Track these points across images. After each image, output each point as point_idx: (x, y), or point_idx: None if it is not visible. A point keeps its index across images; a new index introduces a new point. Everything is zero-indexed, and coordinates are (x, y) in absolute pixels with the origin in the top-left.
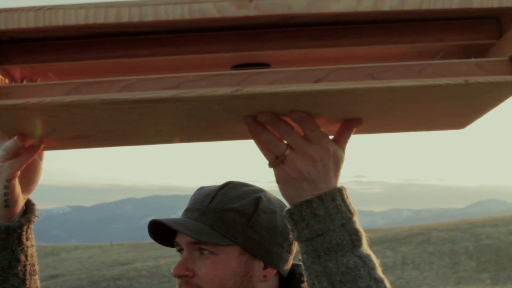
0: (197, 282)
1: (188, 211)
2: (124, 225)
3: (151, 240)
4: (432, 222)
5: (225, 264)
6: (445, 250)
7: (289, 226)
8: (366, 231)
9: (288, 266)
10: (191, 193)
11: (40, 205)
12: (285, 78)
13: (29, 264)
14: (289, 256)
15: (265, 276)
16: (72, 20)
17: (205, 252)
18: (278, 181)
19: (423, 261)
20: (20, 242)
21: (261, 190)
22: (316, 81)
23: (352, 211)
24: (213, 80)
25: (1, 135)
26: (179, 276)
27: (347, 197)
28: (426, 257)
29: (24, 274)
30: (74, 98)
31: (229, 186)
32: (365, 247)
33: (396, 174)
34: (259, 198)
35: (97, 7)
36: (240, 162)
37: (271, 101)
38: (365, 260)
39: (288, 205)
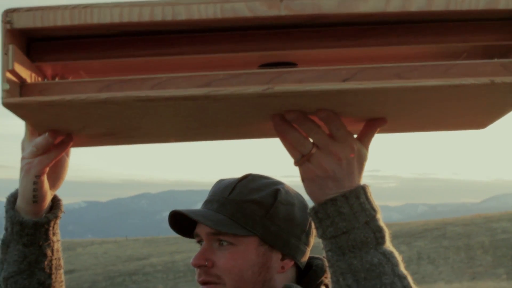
0: (216, 272)
1: (207, 202)
2: (139, 220)
3: (167, 235)
4: (447, 217)
5: (243, 255)
6: (461, 245)
7: (313, 224)
8: None
9: (305, 258)
10: (207, 187)
11: None
12: (314, 77)
13: (55, 258)
14: (306, 248)
15: (282, 267)
16: (107, 18)
17: (224, 242)
18: (303, 179)
19: (439, 256)
20: (47, 237)
21: (279, 183)
22: (344, 80)
23: (376, 208)
24: (243, 79)
25: (31, 131)
26: (198, 266)
27: (370, 195)
28: (442, 251)
29: (50, 269)
30: (108, 95)
31: (249, 178)
32: (388, 244)
33: (411, 168)
34: (277, 190)
35: (131, 5)
36: (256, 157)
37: (299, 100)
38: (389, 257)
39: (311, 202)
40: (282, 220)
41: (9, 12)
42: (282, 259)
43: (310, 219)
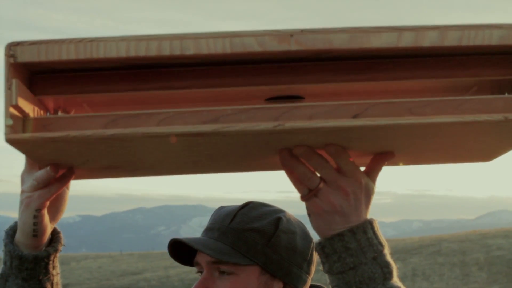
0: None
1: (208, 230)
2: (134, 234)
3: (161, 250)
4: (442, 233)
5: (245, 284)
6: (456, 261)
7: (319, 259)
8: None
9: (306, 287)
10: (202, 203)
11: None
12: (323, 112)
13: None
14: (308, 277)
15: None
16: (113, 52)
17: (225, 271)
18: (309, 214)
19: (434, 272)
20: (47, 271)
21: (281, 211)
22: (355, 116)
23: (383, 243)
24: (251, 114)
25: (31, 164)
26: None
27: (378, 229)
28: (437, 268)
29: None
30: (115, 132)
31: (250, 206)
32: (396, 279)
33: (406, 184)
34: (279, 219)
35: (138, 39)
36: (252, 172)
37: (309, 135)
38: None
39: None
40: (284, 249)
41: (12, 46)
42: None
43: (311, 247)
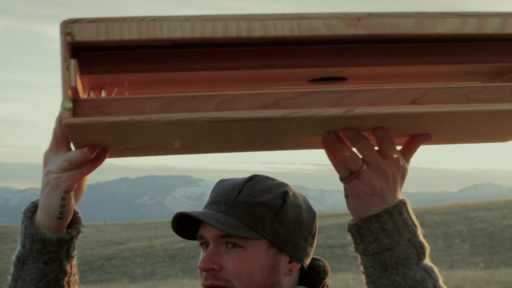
0: (224, 276)
1: (213, 204)
2: (118, 204)
3: (145, 220)
4: (426, 206)
5: (253, 258)
6: (439, 234)
7: (352, 239)
8: None
9: (309, 260)
10: (186, 173)
11: (35, 185)
12: (383, 96)
13: (73, 274)
14: (311, 250)
15: (290, 270)
16: (178, 33)
17: (233, 245)
18: (348, 196)
19: None
20: (68, 254)
21: (285, 184)
22: (413, 101)
23: (416, 223)
24: (311, 97)
25: (58, 144)
26: (206, 270)
27: (410, 209)
28: None
29: (69, 286)
30: (183, 116)
31: (255, 180)
32: (428, 259)
33: None
34: (286, 192)
35: (203, 19)
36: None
37: (367, 119)
38: (430, 273)
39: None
40: (291, 223)
41: (69, 23)
42: (290, 262)
43: (315, 220)
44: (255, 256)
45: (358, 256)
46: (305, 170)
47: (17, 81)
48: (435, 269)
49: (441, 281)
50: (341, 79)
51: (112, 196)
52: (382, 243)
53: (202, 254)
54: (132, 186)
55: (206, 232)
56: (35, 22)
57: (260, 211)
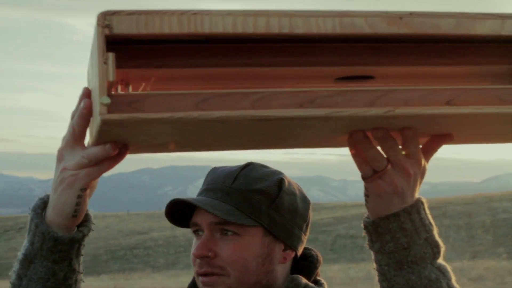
0: (219, 263)
1: (208, 191)
2: (140, 195)
3: None
4: (448, 196)
5: (249, 246)
6: (461, 224)
7: (367, 236)
8: None
9: (302, 248)
10: (208, 163)
11: None
12: (418, 97)
13: (80, 273)
14: (305, 239)
15: (284, 258)
16: (219, 27)
17: (229, 233)
18: (368, 195)
19: (439, 235)
20: (78, 253)
21: (280, 172)
22: (448, 102)
23: (432, 223)
24: (348, 96)
25: (76, 140)
26: (201, 257)
27: (427, 208)
28: (442, 230)
29: (76, 285)
30: (223, 114)
31: (250, 167)
32: (442, 258)
33: None
34: (281, 180)
35: (245, 15)
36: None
37: (402, 120)
38: (444, 272)
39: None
40: (287, 211)
41: (107, 15)
42: (284, 250)
43: (309, 209)
44: (251, 243)
45: (372, 254)
46: (327, 160)
47: (39, 72)
48: (449, 268)
49: (453, 280)
50: (368, 77)
51: (134, 186)
52: (399, 242)
53: (195, 242)
54: (154, 176)
55: (201, 219)
56: (57, 13)
57: (256, 199)
